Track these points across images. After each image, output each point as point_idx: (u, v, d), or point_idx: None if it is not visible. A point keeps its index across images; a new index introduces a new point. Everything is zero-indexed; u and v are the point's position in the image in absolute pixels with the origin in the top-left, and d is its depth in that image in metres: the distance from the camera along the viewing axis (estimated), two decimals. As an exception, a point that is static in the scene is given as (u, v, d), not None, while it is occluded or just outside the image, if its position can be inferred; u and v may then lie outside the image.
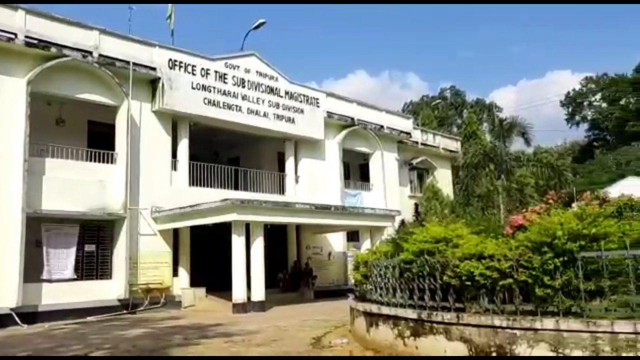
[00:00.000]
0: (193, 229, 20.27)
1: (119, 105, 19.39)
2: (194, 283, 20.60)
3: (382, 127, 28.84)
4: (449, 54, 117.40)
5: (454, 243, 8.19)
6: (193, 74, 21.14)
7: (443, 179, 33.62)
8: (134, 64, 19.58)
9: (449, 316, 7.60)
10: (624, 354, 5.99)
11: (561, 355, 6.34)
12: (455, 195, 33.72)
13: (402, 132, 30.32)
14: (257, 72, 23.23)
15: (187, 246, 20.95)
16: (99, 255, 18.92)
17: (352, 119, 27.34)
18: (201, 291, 20.40)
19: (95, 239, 18.94)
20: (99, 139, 19.58)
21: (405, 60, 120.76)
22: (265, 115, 23.19)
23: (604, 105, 70.67)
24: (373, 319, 9.41)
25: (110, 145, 19.34)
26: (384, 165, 28.51)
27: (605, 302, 6.51)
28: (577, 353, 6.23)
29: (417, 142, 32.64)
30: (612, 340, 6.08)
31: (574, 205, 26.11)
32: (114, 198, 18.71)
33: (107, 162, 19.02)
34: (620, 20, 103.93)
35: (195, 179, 21.52)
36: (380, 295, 9.40)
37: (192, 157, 21.71)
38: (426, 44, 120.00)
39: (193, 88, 21.08)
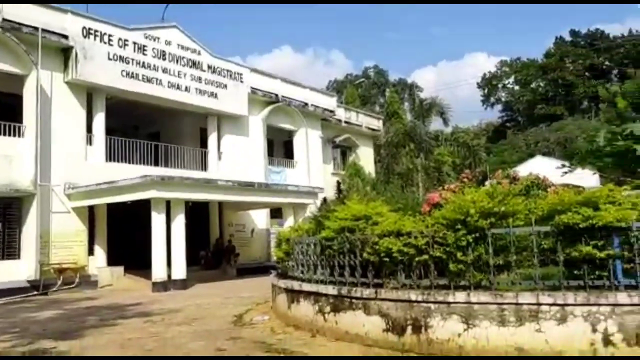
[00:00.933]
0: (110, 206, 19.49)
1: (26, 75, 18.13)
2: (112, 262, 19.89)
3: (306, 104, 28.85)
4: (374, 34, 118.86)
5: (373, 220, 8.37)
6: (110, 44, 20.08)
7: (365, 157, 34.24)
8: (44, 30, 18.32)
9: (367, 292, 7.80)
10: (526, 323, 6.42)
11: (471, 325, 6.70)
12: (377, 172, 34.50)
13: (326, 109, 30.48)
14: (178, 44, 22.44)
15: (103, 224, 20.14)
16: (5, 234, 17.81)
17: (277, 95, 27.13)
18: (119, 270, 19.76)
19: (1, 217, 17.78)
20: (4, 111, 18.25)
21: (330, 38, 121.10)
22: (187, 89, 22.52)
23: (517, 88, 74.47)
24: (294, 295, 9.50)
25: (18, 118, 18.09)
26: (308, 142, 28.61)
27: (512, 275, 6.92)
28: (486, 324, 6.60)
29: (340, 120, 32.95)
30: (517, 311, 6.49)
31: (487, 182, 27.43)
32: (22, 174, 17.60)
33: (14, 135, 17.82)
34: (533, 8, 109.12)
35: (113, 155, 20.63)
36: (302, 272, 9.48)
37: (110, 131, 20.76)
38: (351, 23, 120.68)
39: (110, 59, 20.06)
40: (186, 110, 23.50)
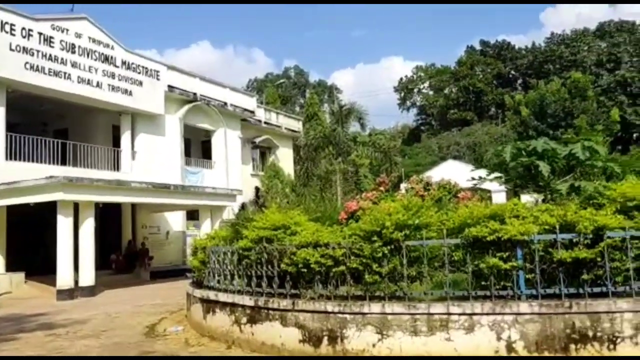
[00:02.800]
0: (11, 208, 18.17)
1: None
2: (11, 268, 18.56)
3: (225, 104, 28.40)
4: (295, 33, 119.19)
5: (292, 230, 8.36)
6: (12, 34, 18.72)
7: (285, 158, 34.25)
8: None
9: (284, 303, 7.77)
10: (437, 333, 6.66)
11: (385, 336, 6.85)
12: (297, 174, 34.60)
13: (246, 110, 30.16)
14: (89, 37, 21.31)
15: (2, 227, 18.74)
16: None
17: (195, 94, 26.50)
18: (19, 276, 18.48)
19: None
20: None
21: (251, 36, 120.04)
22: (98, 85, 21.45)
23: (431, 93, 77.43)
24: (210, 305, 9.29)
25: None
26: (227, 143, 28.18)
27: (425, 286, 7.14)
28: (399, 334, 6.77)
29: (260, 121, 32.74)
30: (429, 321, 6.71)
31: (402, 185, 28.30)
32: None
33: None
34: (448, 16, 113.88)
35: (15, 153, 19.24)
36: (218, 281, 9.29)
37: (14, 127, 19.36)
38: (272, 21, 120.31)
39: (12, 50, 18.70)
40: (98, 107, 22.39)
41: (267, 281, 8.20)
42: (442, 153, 60.37)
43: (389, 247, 7.10)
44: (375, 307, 7.00)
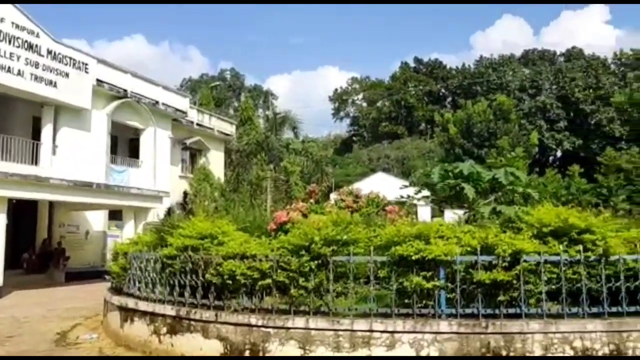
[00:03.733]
0: None
1: None
2: None
3: (157, 102, 27.52)
4: (233, 35, 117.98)
5: (219, 240, 8.19)
6: None
7: (216, 162, 33.64)
8: None
9: (207, 314, 7.60)
10: (359, 349, 6.72)
11: (308, 351, 6.84)
12: (227, 178, 34.10)
13: (178, 110, 29.37)
14: (12, 23, 20.04)
15: None
16: None
17: (126, 90, 25.50)
18: None
19: None
20: None
21: (188, 34, 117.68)
22: (20, 73, 20.16)
23: (365, 105, 78.86)
24: (129, 314, 8.94)
25: None
26: (156, 142, 27.29)
27: (349, 301, 7.20)
28: (322, 350, 6.78)
29: (192, 122, 32.00)
30: (351, 338, 6.77)
31: (332, 195, 28.57)
32: None
33: None
34: (385, 30, 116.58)
35: None
36: (139, 289, 8.96)
37: None
38: (211, 20, 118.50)
39: None
40: (18, 97, 21.08)
41: (190, 291, 8.00)
42: (372, 164, 61.53)
43: (316, 262, 7.12)
44: (300, 322, 6.98)
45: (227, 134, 35.90)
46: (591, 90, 55.13)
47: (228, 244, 7.92)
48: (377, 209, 15.43)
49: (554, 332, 6.49)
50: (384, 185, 29.13)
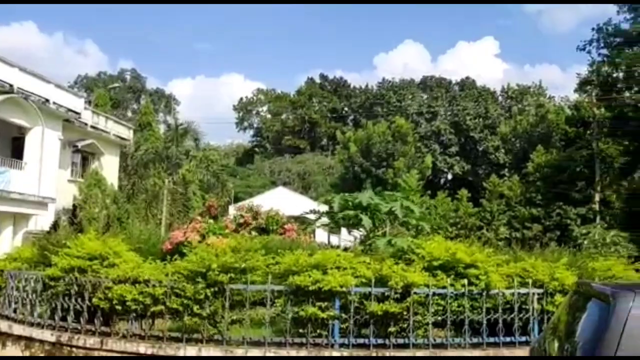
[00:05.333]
0: None
1: None
2: None
3: (47, 100, 25.74)
4: (135, 34, 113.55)
5: (110, 262, 7.78)
6: None
7: (110, 167, 31.98)
8: None
9: (92, 341, 7.20)
10: (252, 379, 6.66)
11: (199, 381, 6.67)
12: (122, 185, 32.54)
13: (71, 110, 27.65)
14: None
15: None
16: None
17: (12, 85, 23.61)
18: None
19: None
20: None
21: (85, 27, 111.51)
22: None
23: (269, 116, 78.97)
24: (1, 338, 8.22)
25: None
26: (44, 143, 25.46)
27: (244, 330, 7.13)
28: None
29: (86, 124, 30.22)
30: (245, 367, 6.69)
31: (231, 209, 28.24)
32: None
33: None
34: (292, 43, 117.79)
35: None
36: (15, 311, 8.28)
37: None
38: (110, 17, 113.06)
39: None
40: None
41: (74, 315, 7.53)
42: (273, 177, 61.61)
43: (212, 289, 6.99)
44: (192, 351, 6.81)
45: (124, 139, 34.32)
46: (481, 119, 59.11)
47: (120, 266, 7.55)
48: (277, 227, 15.50)
49: (438, 362, 6.84)
50: (284, 200, 29.37)
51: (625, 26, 32.25)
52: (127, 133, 35.11)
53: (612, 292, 3.42)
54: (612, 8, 43.89)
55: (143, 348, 6.92)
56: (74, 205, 25.18)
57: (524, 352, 6.97)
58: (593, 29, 33.14)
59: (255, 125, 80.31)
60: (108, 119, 33.72)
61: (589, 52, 33.60)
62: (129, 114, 56.62)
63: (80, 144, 29.86)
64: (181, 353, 6.79)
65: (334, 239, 18.44)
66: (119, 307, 7.16)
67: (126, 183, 30.44)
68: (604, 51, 33.00)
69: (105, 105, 37.94)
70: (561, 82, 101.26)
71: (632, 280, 8.94)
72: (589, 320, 3.69)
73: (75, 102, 28.64)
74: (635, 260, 9.67)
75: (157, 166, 28.53)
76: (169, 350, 6.83)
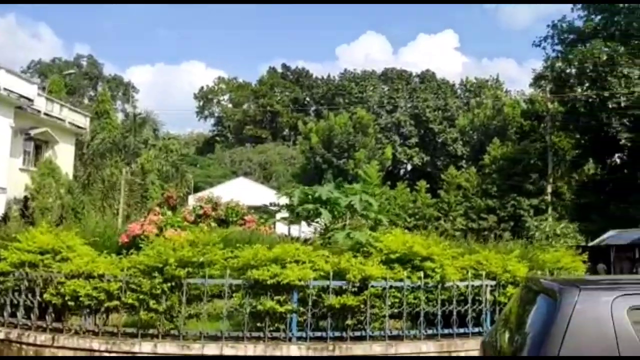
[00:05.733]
0: None
1: None
2: None
3: (-3, 86, 24.79)
4: (91, 18, 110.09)
5: (63, 256, 7.58)
6: None
7: (64, 156, 31.01)
8: None
9: (43, 337, 7.01)
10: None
11: (154, 377, 6.60)
12: (78, 174, 31.64)
13: (23, 97, 26.65)
14: None
15: None
16: None
17: (-42, 70, 22.65)
18: None
19: None
20: None
21: (39, 9, 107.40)
22: None
23: (230, 106, 78.13)
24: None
25: None
26: (-6, 131, 24.57)
27: (202, 324, 7.07)
28: (169, 376, 6.58)
29: (39, 111, 29.20)
30: (202, 362, 6.66)
31: (191, 199, 27.85)
32: None
33: None
34: (255, 31, 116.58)
35: None
36: (-40, 307, 7.97)
37: None
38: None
39: None
40: None
41: (24, 311, 7.31)
42: (234, 167, 61.10)
43: (169, 284, 6.91)
44: (147, 347, 6.73)
45: (80, 127, 33.33)
46: (440, 112, 60.01)
47: (73, 260, 7.36)
48: (237, 218, 15.40)
49: (394, 354, 6.96)
50: (245, 191, 29.18)
51: (579, 24, 33.38)
52: (83, 121, 34.11)
53: (558, 288, 3.55)
54: (567, 5, 45.23)
55: (97, 344, 6.79)
56: (25, 196, 24.38)
57: (476, 342, 7.14)
58: (548, 25, 34.16)
59: (216, 115, 79.33)
60: (63, 106, 32.68)
61: (544, 48, 34.64)
62: (86, 101, 54.99)
63: (33, 132, 28.86)
64: (136, 349, 6.69)
65: (295, 230, 18.46)
66: (71, 303, 7.00)
67: (82, 173, 29.57)
68: (558, 47, 34.07)
69: (60, 92, 36.81)
70: (517, 76, 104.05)
71: (580, 270, 9.32)
72: (538, 314, 3.82)
73: (28, 89, 27.65)
74: (583, 250, 10.07)
75: (115, 156, 27.81)
76: (124, 346, 6.72)
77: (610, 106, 29.17)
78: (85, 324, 7.05)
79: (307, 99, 74.61)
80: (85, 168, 29.87)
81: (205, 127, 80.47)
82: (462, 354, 7.19)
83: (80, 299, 6.92)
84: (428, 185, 40.07)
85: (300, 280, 6.88)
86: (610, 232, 28.70)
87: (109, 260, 7.39)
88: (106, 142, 27.90)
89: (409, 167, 61.18)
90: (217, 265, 7.33)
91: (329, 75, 73.60)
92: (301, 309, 7.00)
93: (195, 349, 6.67)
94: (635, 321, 3.25)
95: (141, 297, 6.86)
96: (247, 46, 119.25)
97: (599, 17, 32.71)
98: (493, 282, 7.66)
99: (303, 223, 14.20)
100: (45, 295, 7.14)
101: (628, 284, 3.80)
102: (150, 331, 6.93)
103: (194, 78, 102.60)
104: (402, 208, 36.32)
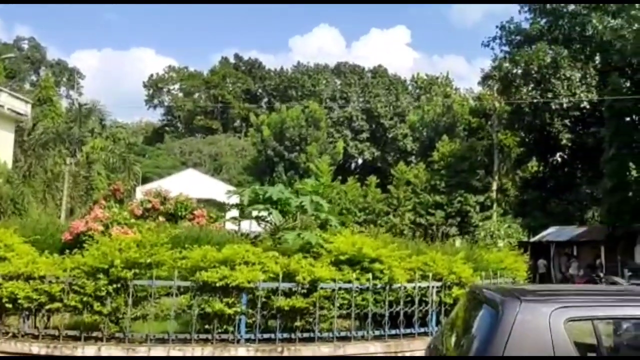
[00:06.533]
0: None
1: None
2: None
3: None
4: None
5: (0, 255, 7.28)
6: None
7: (3, 143, 29.54)
8: None
9: (-22, 341, 6.71)
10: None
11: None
12: (18, 164, 30.27)
13: (-42, 81, 25.34)
14: None
15: None
16: None
17: None
18: None
19: None
20: None
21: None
22: None
23: (180, 95, 76.58)
24: None
25: None
26: None
27: (148, 326, 6.94)
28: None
29: (-25, 96, 27.82)
30: (148, 365, 6.54)
31: (139, 191, 27.16)
32: None
33: None
34: (207, 20, 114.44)
35: None
36: None
37: None
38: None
39: None
40: None
41: (-43, 314, 6.98)
42: (184, 158, 60.03)
43: (115, 286, 6.74)
44: (91, 350, 6.56)
45: (21, 114, 31.87)
46: (391, 107, 60.83)
47: (12, 260, 7.07)
48: (186, 212, 15.14)
49: (342, 355, 7.05)
50: (194, 183, 28.68)
51: (525, 25, 34.48)
52: (24, 108, 32.57)
53: (500, 300, 3.67)
54: (514, 6, 46.62)
55: (37, 348, 6.55)
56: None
57: (422, 342, 7.34)
58: (497, 26, 35.12)
59: (166, 104, 77.58)
60: (1, 91, 31.15)
61: (492, 48, 35.64)
62: (27, 86, 52.56)
63: (-32, 118, 27.43)
64: (79, 353, 6.51)
65: (245, 225, 18.36)
66: (9, 306, 6.73)
67: (23, 162, 28.34)
68: (506, 48, 35.10)
69: (-1, 76, 35.04)
70: (466, 74, 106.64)
71: (521, 270, 9.70)
72: (481, 323, 3.94)
73: (-37, 72, 26.21)
74: (526, 246, 10.51)
75: (58, 145, 26.72)
76: (66, 350, 6.52)
77: (553, 107, 30.36)
78: (24, 326, 6.79)
79: (260, 90, 74.00)
80: (26, 157, 28.60)
81: (154, 116, 78.72)
82: (408, 354, 7.35)
83: (19, 301, 6.65)
84: (378, 180, 40.60)
85: (249, 282, 6.85)
86: (551, 229, 30.07)
87: (51, 261, 7.13)
88: (49, 132, 26.76)
89: (360, 161, 61.74)
90: (165, 266, 7.19)
91: (281, 68, 73.20)
92: (250, 310, 6.98)
93: (142, 351, 6.54)
94: (571, 332, 3.41)
95: (85, 299, 6.66)
96: (199, 34, 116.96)
97: (544, 20, 33.89)
98: (439, 284, 7.86)
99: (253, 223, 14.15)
100: (-20, 298, 6.82)
101: (566, 295, 3.98)
102: (95, 334, 6.75)
103: (143, 65, 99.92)
104: (353, 203, 36.67)
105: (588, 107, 30.14)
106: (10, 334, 6.78)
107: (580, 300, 3.78)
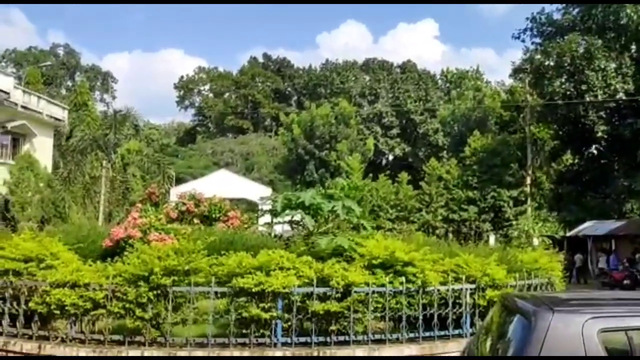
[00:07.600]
0: None
1: None
2: None
3: (-27, 80, 24.36)
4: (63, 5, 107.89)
5: (47, 263, 7.60)
6: None
7: (43, 149, 30.60)
8: None
9: (29, 346, 7.05)
10: (196, 380, 6.75)
11: (142, 384, 6.69)
12: (57, 168, 31.26)
13: (0, 90, 26.28)
14: None
15: None
16: None
17: None
18: None
19: None
20: None
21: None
22: None
23: (211, 95, 77.58)
24: None
25: None
26: (-30, 125, 24.16)
27: (188, 331, 7.17)
28: (157, 384, 6.68)
29: (16, 104, 28.77)
30: (190, 368, 6.76)
31: (173, 193, 27.71)
32: None
33: None
34: (234, 18, 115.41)
35: None
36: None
37: None
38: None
39: None
40: None
41: (9, 319, 7.33)
42: (216, 158, 60.84)
43: (155, 292, 6.98)
44: (134, 353, 6.80)
45: (59, 119, 32.91)
46: (421, 103, 60.34)
47: (58, 269, 7.39)
48: (220, 215, 15.44)
49: (377, 356, 7.15)
50: (226, 183, 29.10)
51: (557, 16, 33.75)
52: (61, 113, 33.64)
53: (532, 311, 3.72)
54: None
55: (84, 352, 6.85)
56: (5, 200, 23.95)
57: (457, 344, 7.40)
58: (527, 18, 34.44)
59: (196, 104, 78.71)
60: (40, 98, 32.18)
61: (523, 40, 35.00)
62: (63, 91, 54.09)
63: (9, 125, 28.41)
64: (124, 356, 6.77)
65: (278, 226, 18.60)
66: (57, 312, 7.04)
67: (62, 167, 29.26)
68: (537, 40, 34.42)
69: (37, 83, 36.23)
70: (496, 66, 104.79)
71: (556, 270, 9.61)
72: (514, 332, 3.99)
73: (4, 81, 27.25)
74: (561, 241, 10.38)
75: (95, 149, 27.47)
76: (110, 354, 6.79)
77: (587, 99, 29.68)
78: (72, 331, 7.09)
79: (289, 89, 74.41)
80: (65, 162, 29.52)
81: (186, 117, 79.95)
82: (443, 356, 7.40)
83: (66, 307, 6.96)
84: (410, 177, 40.38)
85: (284, 287, 7.00)
86: (588, 223, 29.47)
87: (94, 269, 7.43)
88: (86, 139, 27.54)
89: (391, 158, 61.45)
90: (202, 272, 7.41)
91: (310, 66, 73.43)
92: (286, 315, 7.13)
93: (182, 355, 6.77)
94: (605, 343, 3.44)
95: (127, 305, 6.93)
96: (226, 33, 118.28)
97: (576, 10, 33.10)
98: (473, 286, 7.87)
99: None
100: (30, 304, 7.16)
101: (599, 305, 3.99)
102: (137, 338, 7.00)
103: (172, 66, 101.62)
104: (384, 200, 36.57)
105: (624, 97, 29.35)
106: (59, 339, 7.08)
107: (614, 310, 3.78)
